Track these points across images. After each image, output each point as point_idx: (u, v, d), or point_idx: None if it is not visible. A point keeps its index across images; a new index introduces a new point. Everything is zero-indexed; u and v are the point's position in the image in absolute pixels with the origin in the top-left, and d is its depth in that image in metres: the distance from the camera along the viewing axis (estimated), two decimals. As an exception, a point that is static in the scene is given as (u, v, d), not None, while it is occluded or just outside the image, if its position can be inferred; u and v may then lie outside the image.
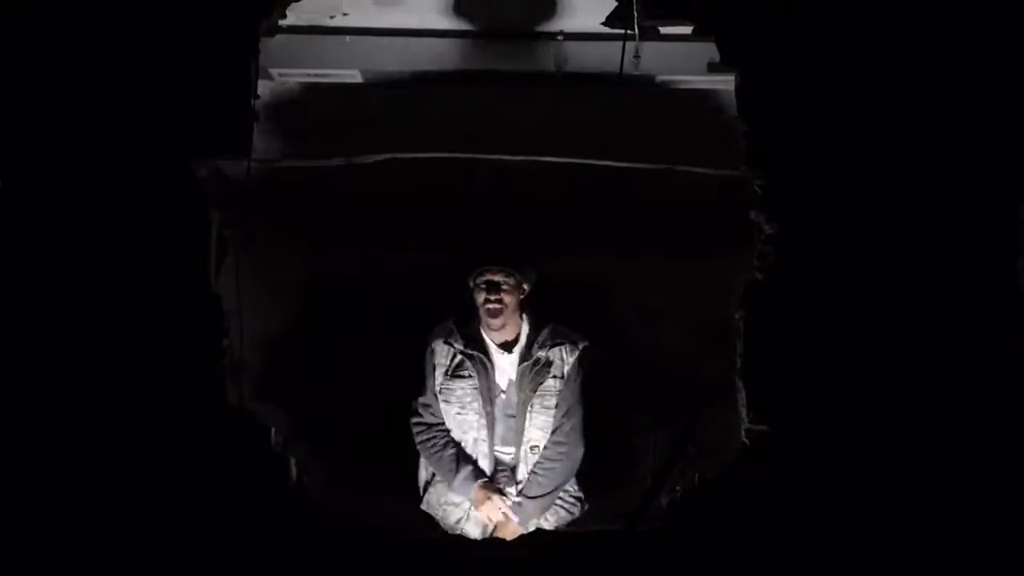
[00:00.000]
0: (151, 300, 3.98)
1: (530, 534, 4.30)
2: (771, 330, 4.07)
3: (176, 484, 3.94)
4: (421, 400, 5.73)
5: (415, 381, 5.93)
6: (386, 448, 6.78)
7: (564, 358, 5.61)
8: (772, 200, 4.11)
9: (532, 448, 5.57)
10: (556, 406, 5.59)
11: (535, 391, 5.56)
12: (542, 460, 5.53)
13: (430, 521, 5.74)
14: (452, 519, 5.62)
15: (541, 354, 5.58)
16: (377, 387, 7.57)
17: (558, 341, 5.63)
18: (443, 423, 5.66)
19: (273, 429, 4.12)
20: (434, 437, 5.65)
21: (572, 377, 5.63)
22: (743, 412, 4.11)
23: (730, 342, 4.19)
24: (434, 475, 5.70)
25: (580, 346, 5.67)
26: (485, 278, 5.53)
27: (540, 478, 5.49)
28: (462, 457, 5.56)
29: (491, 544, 4.23)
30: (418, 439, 5.72)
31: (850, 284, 4.04)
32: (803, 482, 4.01)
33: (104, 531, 3.89)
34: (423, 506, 5.82)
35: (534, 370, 5.57)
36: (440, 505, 5.70)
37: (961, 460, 3.99)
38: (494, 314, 5.52)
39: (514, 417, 5.61)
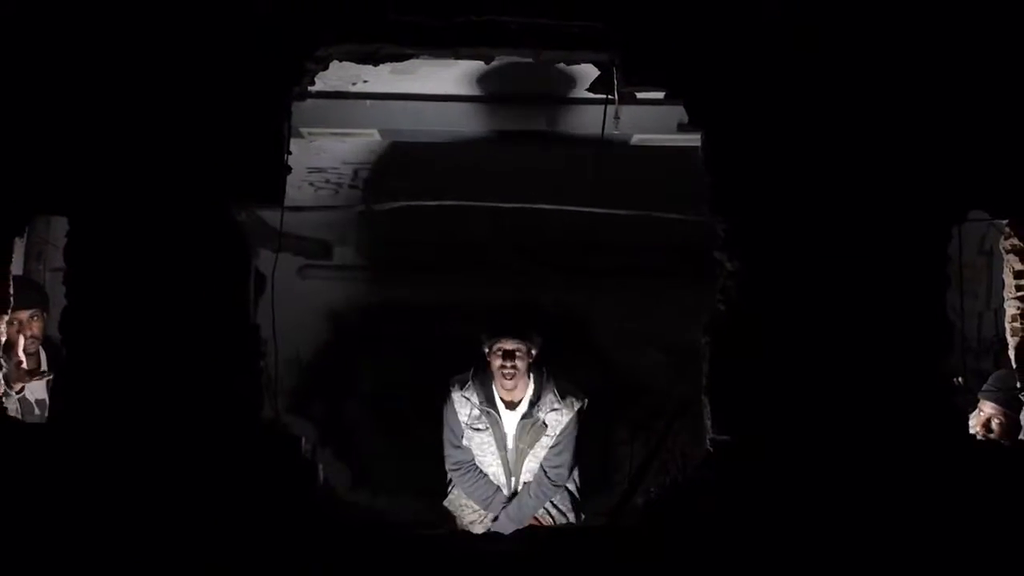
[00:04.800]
0: (198, 327, 3.98)
1: (525, 529, 4.28)
2: (733, 353, 4.07)
3: (219, 486, 3.93)
4: (449, 441, 5.79)
5: (425, 396, 5.95)
6: (400, 455, 6.79)
7: (560, 420, 5.63)
8: (733, 242, 4.11)
9: (525, 483, 5.71)
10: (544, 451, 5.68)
11: (531, 447, 5.66)
12: (534, 488, 5.69)
13: (439, 517, 5.76)
14: (467, 519, 5.73)
15: (540, 415, 5.62)
16: (392, 401, 7.59)
17: (555, 407, 5.64)
18: (471, 460, 5.76)
19: (303, 438, 4.11)
20: (467, 472, 5.76)
21: (567, 432, 5.68)
22: (708, 424, 4.10)
23: (697, 364, 4.19)
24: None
25: (576, 408, 5.69)
26: (501, 347, 5.54)
27: (528, 504, 5.68)
28: (492, 485, 5.72)
29: (492, 538, 4.22)
30: (456, 477, 5.81)
31: (801, 313, 4.04)
32: (761, 484, 4.01)
33: (156, 525, 3.89)
34: (445, 503, 5.91)
35: (532, 428, 5.63)
36: (459, 506, 5.80)
37: (895, 463, 4.00)
38: (509, 378, 5.56)
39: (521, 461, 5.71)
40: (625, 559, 3.98)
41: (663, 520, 4.05)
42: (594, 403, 5.93)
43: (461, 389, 5.68)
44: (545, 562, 3.98)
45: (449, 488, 5.86)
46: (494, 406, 5.66)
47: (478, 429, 5.67)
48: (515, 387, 5.61)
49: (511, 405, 5.69)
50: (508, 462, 5.70)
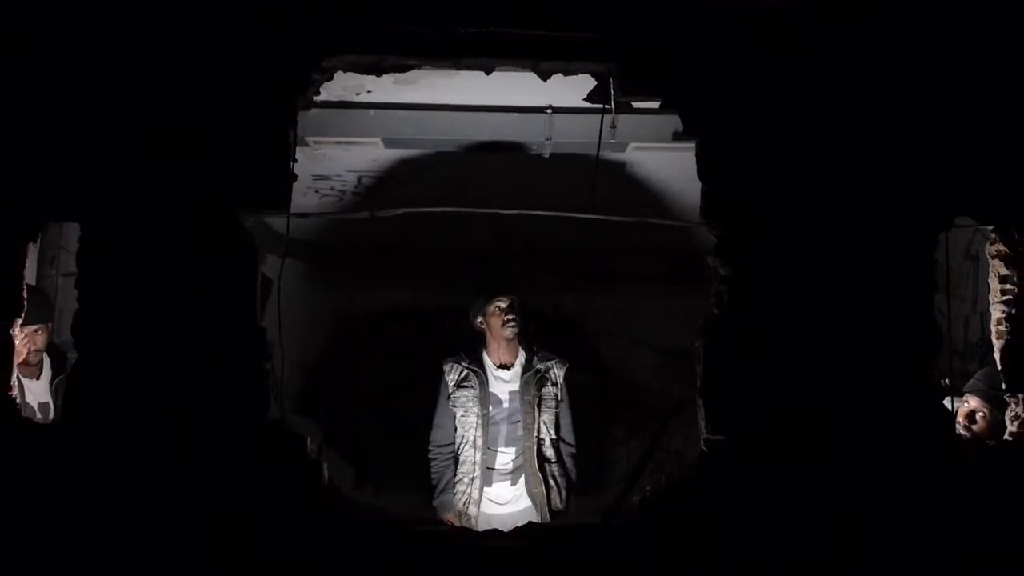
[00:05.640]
0: (207, 330, 3.98)
1: (523, 527, 4.27)
2: (726, 356, 4.07)
3: (227, 485, 3.93)
4: (434, 420, 5.98)
5: (427, 397, 5.97)
6: (402, 454, 6.78)
7: (556, 371, 5.90)
8: (726, 247, 4.12)
9: (540, 440, 5.83)
10: (556, 408, 5.88)
11: (539, 392, 5.83)
12: (564, 460, 5.91)
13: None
14: (460, 504, 5.81)
15: (540, 366, 5.87)
16: (395, 403, 7.59)
17: (551, 358, 5.91)
18: (448, 444, 5.92)
19: (308, 439, 4.11)
20: (436, 459, 5.95)
21: (562, 386, 5.93)
22: (702, 424, 4.10)
23: (692, 366, 4.19)
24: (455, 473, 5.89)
25: (566, 365, 5.96)
26: (500, 304, 5.86)
27: (569, 474, 5.93)
28: (449, 484, 5.85)
29: (491, 535, 4.21)
30: (430, 455, 5.97)
31: (792, 316, 4.04)
32: (754, 483, 4.01)
33: (165, 522, 3.89)
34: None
35: (536, 378, 5.84)
36: (454, 492, 5.87)
37: (884, 461, 4.00)
38: (512, 328, 5.86)
39: (519, 422, 5.82)
40: (621, 556, 3.98)
41: (658, 518, 4.05)
42: (591, 404, 5.96)
43: (454, 360, 5.97)
44: (543, 559, 3.98)
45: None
46: (482, 367, 5.89)
47: (463, 387, 5.88)
48: (514, 338, 5.90)
49: (503, 367, 5.94)
50: (487, 421, 5.82)
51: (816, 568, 3.96)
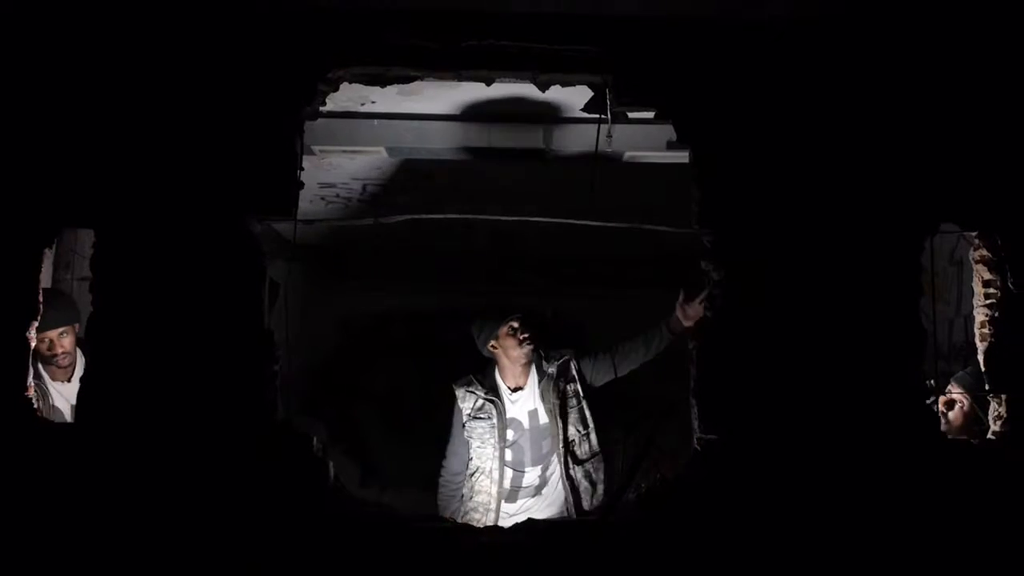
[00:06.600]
0: (217, 333, 3.99)
1: (523, 523, 4.29)
2: (719, 357, 4.08)
3: (236, 484, 3.94)
4: (448, 447, 5.75)
5: (427, 396, 5.97)
6: (405, 452, 6.80)
7: (567, 365, 5.61)
8: (719, 252, 4.14)
9: (570, 442, 5.55)
10: (579, 404, 5.61)
11: (560, 397, 5.55)
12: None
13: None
14: (468, 507, 5.62)
15: (551, 370, 5.57)
16: (397, 403, 7.61)
17: (558, 357, 5.63)
18: (459, 473, 5.68)
19: (314, 438, 4.12)
20: (445, 486, 5.73)
21: (576, 374, 5.64)
22: (696, 424, 4.11)
23: (685, 367, 4.20)
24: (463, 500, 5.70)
25: (571, 355, 5.67)
26: (513, 325, 5.55)
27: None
28: (456, 513, 5.59)
29: (493, 531, 4.23)
30: (439, 480, 5.77)
31: (782, 319, 4.06)
32: (746, 481, 4.02)
33: (175, 519, 3.90)
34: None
35: (552, 384, 5.55)
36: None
37: (872, 460, 4.02)
38: (530, 345, 5.54)
39: (546, 438, 5.59)
40: (618, 552, 3.99)
41: (652, 515, 4.06)
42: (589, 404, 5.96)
43: (466, 386, 5.66)
44: (542, 555, 3.99)
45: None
46: (498, 395, 5.60)
47: (479, 418, 5.59)
48: (531, 357, 5.58)
49: (517, 390, 5.63)
50: (505, 454, 5.57)
51: (807, 566, 3.98)
